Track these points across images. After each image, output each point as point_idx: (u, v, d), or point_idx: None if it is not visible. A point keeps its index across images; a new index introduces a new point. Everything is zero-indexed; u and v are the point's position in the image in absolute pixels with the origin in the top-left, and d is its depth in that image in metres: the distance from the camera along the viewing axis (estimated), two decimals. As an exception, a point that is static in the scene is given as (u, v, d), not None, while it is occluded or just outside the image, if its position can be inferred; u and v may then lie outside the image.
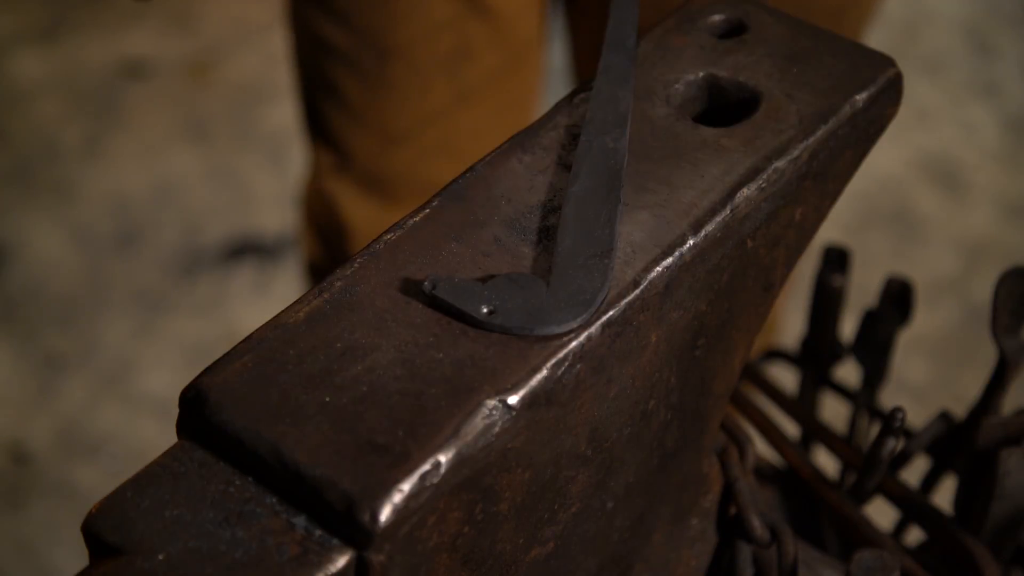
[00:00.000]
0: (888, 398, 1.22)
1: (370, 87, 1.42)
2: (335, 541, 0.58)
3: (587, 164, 0.69)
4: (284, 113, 2.54)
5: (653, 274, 0.65)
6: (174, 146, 2.64)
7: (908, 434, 0.98)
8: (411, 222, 0.67)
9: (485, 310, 0.63)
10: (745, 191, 0.69)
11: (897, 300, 1.05)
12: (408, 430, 0.59)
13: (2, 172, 2.60)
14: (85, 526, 0.59)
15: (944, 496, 1.02)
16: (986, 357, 1.30)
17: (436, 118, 1.43)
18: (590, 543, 0.71)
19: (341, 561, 0.57)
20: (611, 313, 0.64)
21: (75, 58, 2.78)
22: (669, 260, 0.66)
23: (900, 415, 0.84)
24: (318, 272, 1.61)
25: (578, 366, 0.63)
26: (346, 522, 0.57)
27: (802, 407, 1.01)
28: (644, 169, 0.70)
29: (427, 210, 0.68)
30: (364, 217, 1.49)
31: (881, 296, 1.05)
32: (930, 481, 1.00)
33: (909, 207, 2.52)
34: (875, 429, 1.06)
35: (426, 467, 0.58)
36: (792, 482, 0.99)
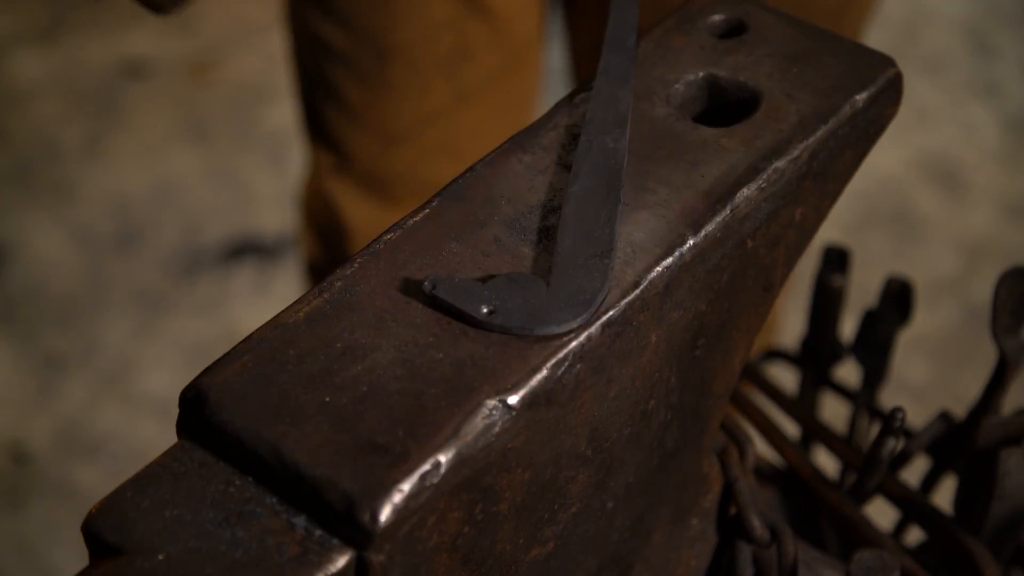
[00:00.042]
0: (888, 398, 1.22)
1: (370, 87, 1.42)
2: (335, 541, 0.58)
3: (587, 164, 0.69)
4: (284, 113, 2.54)
5: (653, 274, 0.65)
6: (174, 146, 2.64)
7: (908, 434, 0.98)
8: (411, 222, 0.67)
9: (485, 310, 0.63)
10: (745, 191, 0.69)
11: (897, 300, 1.05)
12: (408, 430, 0.59)
13: (2, 172, 2.60)
14: (85, 526, 0.59)
15: (944, 496, 1.02)
16: (986, 357, 1.30)
17: (436, 118, 1.43)
18: (590, 543, 0.71)
19: (341, 561, 0.57)
20: (611, 313, 0.64)
21: (75, 58, 2.78)
22: (669, 260, 0.66)
23: (900, 415, 0.84)
24: (318, 272, 1.61)
25: (578, 366, 0.63)
26: (346, 522, 0.57)
27: (802, 407, 1.01)
28: (644, 169, 0.70)
29: (427, 210, 0.68)
30: (364, 217, 1.49)
31: (881, 296, 1.05)
32: (930, 481, 1.00)
33: (909, 207, 2.52)
34: (875, 429, 1.06)
35: (426, 467, 0.58)
36: (792, 482, 0.99)
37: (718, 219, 0.68)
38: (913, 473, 1.21)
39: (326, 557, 0.57)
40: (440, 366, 0.61)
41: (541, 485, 0.64)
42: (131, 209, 2.52)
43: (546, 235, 0.67)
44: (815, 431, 0.98)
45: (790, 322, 1.90)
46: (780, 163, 0.70)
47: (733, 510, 0.82)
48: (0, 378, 2.26)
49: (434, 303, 0.63)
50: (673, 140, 0.71)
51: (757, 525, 0.80)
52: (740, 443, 0.83)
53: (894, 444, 0.86)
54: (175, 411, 0.62)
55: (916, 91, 2.67)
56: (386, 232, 0.67)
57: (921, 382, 2.22)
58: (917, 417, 1.03)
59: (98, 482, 2.09)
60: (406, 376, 0.61)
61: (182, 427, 0.62)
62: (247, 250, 2.46)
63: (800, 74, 0.74)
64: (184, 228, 2.49)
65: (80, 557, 0.74)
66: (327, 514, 0.58)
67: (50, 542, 2.05)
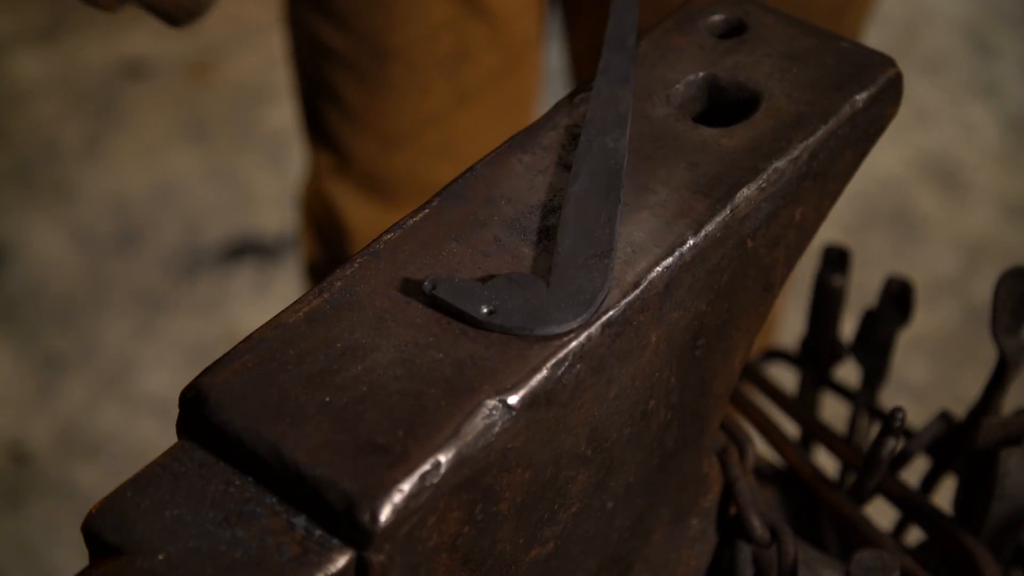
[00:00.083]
0: (888, 398, 1.22)
1: (369, 89, 1.42)
2: (335, 541, 0.58)
3: (587, 164, 0.69)
4: (284, 113, 2.54)
5: (653, 274, 0.65)
6: (174, 146, 2.64)
7: (908, 434, 0.98)
8: (411, 222, 0.67)
9: (485, 310, 0.63)
10: (745, 191, 0.69)
11: (897, 300, 1.05)
12: (408, 430, 0.59)
13: (2, 172, 2.60)
14: (85, 526, 0.59)
15: (944, 496, 1.02)
16: (986, 357, 1.30)
17: (435, 119, 1.44)
18: (590, 543, 0.71)
19: (341, 561, 0.57)
20: (611, 313, 0.64)
21: (75, 58, 2.78)
22: (669, 260, 0.66)
23: (900, 415, 0.84)
24: (318, 274, 1.61)
25: (578, 366, 0.63)
26: (346, 522, 0.57)
27: (802, 407, 1.01)
28: (644, 169, 0.70)
29: (427, 210, 0.68)
30: (364, 218, 1.49)
31: (881, 296, 1.05)
32: (930, 481, 1.00)
33: (909, 207, 2.52)
34: (875, 429, 1.06)
35: (426, 467, 0.58)
36: (792, 482, 0.99)
37: (718, 219, 0.68)
38: (913, 473, 1.21)
39: (326, 557, 0.57)
40: (440, 366, 0.61)
41: (541, 485, 0.64)
42: (131, 209, 2.52)
43: (546, 235, 0.67)
44: (815, 431, 0.98)
45: (790, 322, 1.90)
46: (780, 163, 0.70)
47: (733, 510, 0.82)
48: (0, 378, 2.26)
49: (434, 303, 0.63)
50: (673, 140, 0.71)
51: (757, 525, 0.80)
52: (740, 443, 0.83)
53: (894, 444, 0.86)
54: (175, 411, 0.62)
55: (916, 91, 2.67)
56: (386, 232, 0.67)
57: (921, 382, 2.22)
58: (917, 417, 1.03)
59: (98, 482, 2.09)
60: (406, 376, 0.61)
61: (182, 427, 0.62)
62: (247, 250, 2.46)
63: (800, 74, 0.74)
64: (184, 228, 2.49)
65: (80, 557, 0.74)
66: (327, 514, 0.58)
67: (50, 542, 2.05)
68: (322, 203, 1.52)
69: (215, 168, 2.59)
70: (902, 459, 0.97)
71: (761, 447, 0.92)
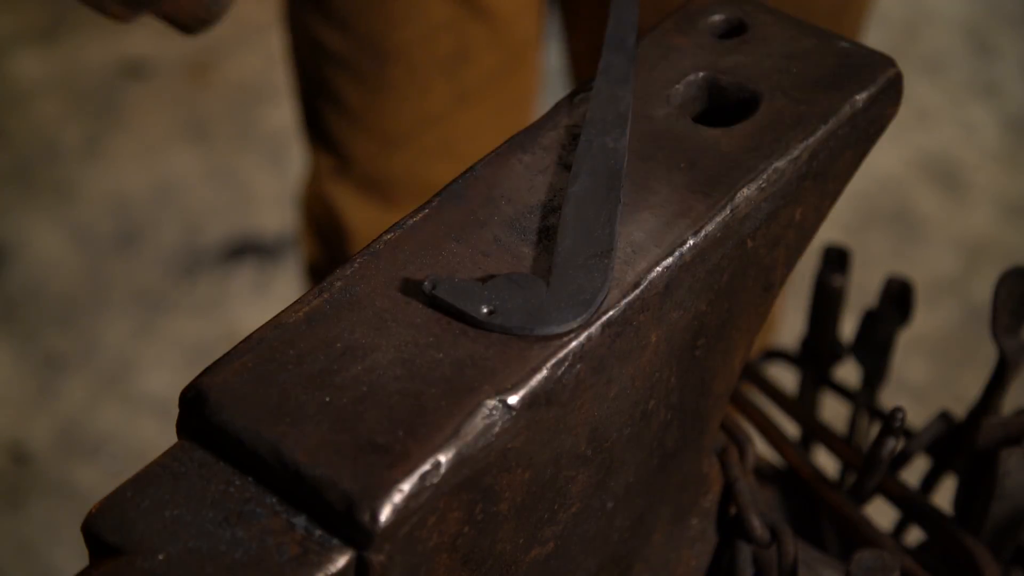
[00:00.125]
0: (888, 398, 1.22)
1: (369, 90, 1.42)
2: (335, 541, 0.58)
3: (587, 164, 0.69)
4: (284, 113, 2.54)
5: (653, 274, 0.65)
6: (174, 146, 2.64)
7: (908, 434, 0.98)
8: (411, 222, 0.67)
9: (485, 310, 0.63)
10: (745, 191, 0.69)
11: (897, 300, 1.05)
12: (408, 430, 0.59)
13: (2, 172, 2.60)
14: (85, 526, 0.59)
15: (944, 496, 1.02)
16: (986, 357, 1.30)
17: (435, 120, 1.43)
18: (590, 543, 0.71)
19: (341, 561, 0.57)
20: (611, 313, 0.64)
21: (75, 58, 2.78)
22: (669, 260, 0.66)
23: (900, 415, 0.84)
24: (318, 275, 1.61)
25: (578, 366, 0.63)
26: (346, 522, 0.57)
27: (802, 407, 1.01)
28: (644, 169, 0.70)
29: (427, 210, 0.68)
30: (364, 219, 1.49)
31: (881, 296, 1.05)
32: (930, 481, 1.00)
33: (909, 207, 2.52)
34: (875, 429, 1.06)
35: (426, 467, 0.58)
36: (792, 482, 0.99)
37: (718, 219, 0.68)
38: (913, 473, 1.21)
39: (326, 557, 0.57)
40: (440, 366, 0.61)
41: (541, 485, 0.64)
42: (131, 209, 2.52)
43: (546, 235, 0.67)
44: (815, 431, 0.98)
45: (790, 322, 1.90)
46: (780, 163, 0.70)
47: (733, 510, 0.82)
48: (0, 378, 2.26)
49: (434, 303, 0.63)
50: (673, 140, 0.71)
51: (757, 525, 0.80)
52: (740, 443, 0.83)
53: (894, 444, 0.86)
54: (175, 411, 0.62)
55: (916, 91, 2.67)
56: (386, 232, 0.67)
57: (921, 382, 2.22)
58: (917, 417, 1.03)
59: (98, 482, 2.09)
60: (406, 376, 0.61)
61: (182, 427, 0.62)
62: (247, 250, 2.46)
63: (800, 74, 0.74)
64: (184, 228, 2.49)
65: (80, 557, 0.74)
66: (327, 514, 0.58)
67: (50, 542, 2.05)
68: (322, 204, 1.52)
69: (215, 168, 2.59)
70: (902, 459, 0.97)
71: (761, 447, 0.92)
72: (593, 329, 0.63)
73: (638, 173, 0.69)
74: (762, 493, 0.94)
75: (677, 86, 0.74)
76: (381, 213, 1.49)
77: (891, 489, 0.91)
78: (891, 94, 0.75)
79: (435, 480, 0.58)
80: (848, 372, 1.23)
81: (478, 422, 0.60)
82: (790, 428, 1.10)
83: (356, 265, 0.65)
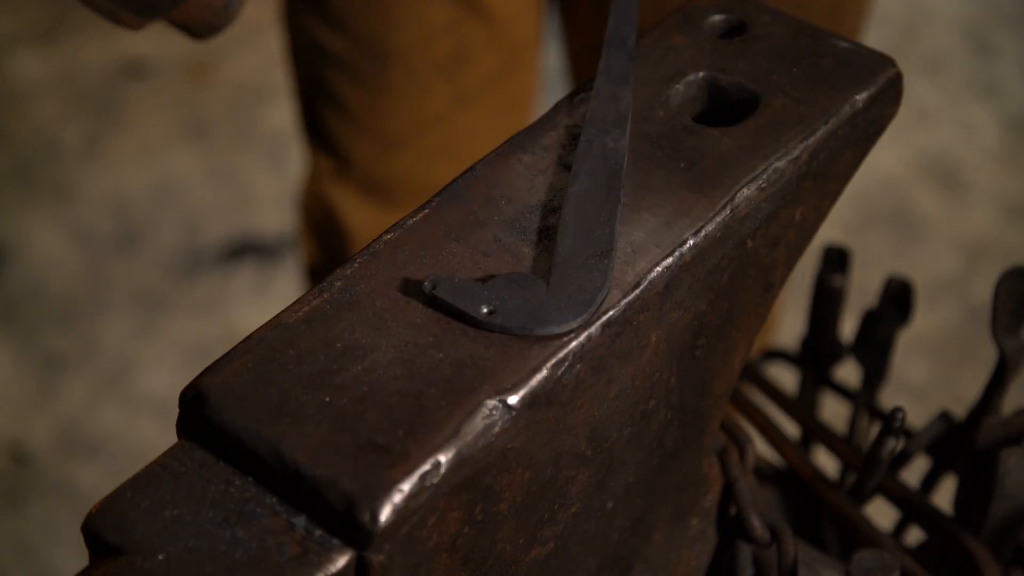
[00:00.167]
0: (888, 398, 1.22)
1: (368, 92, 1.41)
2: (335, 541, 0.58)
3: (587, 164, 0.69)
4: (284, 113, 2.54)
5: (653, 274, 0.65)
6: (174, 146, 2.64)
7: (908, 434, 0.98)
8: (411, 222, 0.67)
9: (485, 310, 0.63)
10: (745, 191, 0.69)
11: (897, 300, 1.05)
12: (408, 430, 0.59)
13: (2, 172, 2.60)
14: (85, 526, 0.59)
15: (944, 496, 1.02)
16: (986, 357, 1.30)
17: (435, 122, 1.43)
18: (590, 543, 0.71)
19: (341, 561, 0.57)
20: (611, 313, 0.64)
21: (75, 58, 2.78)
22: (669, 260, 0.66)
23: (900, 415, 0.84)
24: (318, 276, 1.60)
25: (578, 366, 0.63)
26: (346, 522, 0.57)
27: (802, 407, 1.01)
28: (644, 169, 0.70)
29: (427, 210, 0.68)
30: (364, 221, 1.49)
31: (881, 296, 1.05)
32: (930, 481, 1.00)
33: (909, 207, 2.52)
34: (875, 429, 1.06)
35: (426, 467, 0.58)
36: (792, 482, 0.99)
37: (718, 219, 0.68)
38: (913, 473, 1.21)
39: (326, 557, 0.57)
40: (440, 366, 0.61)
41: (541, 485, 0.64)
42: (131, 209, 2.52)
43: (546, 235, 0.67)
44: (815, 431, 0.98)
45: (790, 322, 1.90)
46: (780, 163, 0.70)
47: (733, 510, 0.82)
48: (0, 378, 2.26)
49: (434, 303, 0.63)
50: (673, 140, 0.71)
51: (757, 525, 0.80)
52: (740, 443, 0.83)
53: (894, 444, 0.86)
54: (175, 411, 0.62)
55: (916, 91, 2.67)
56: (386, 232, 0.67)
57: (921, 382, 2.22)
58: (917, 417, 1.03)
59: (98, 482, 2.09)
60: (406, 376, 0.61)
61: (182, 427, 0.62)
62: (247, 250, 2.46)
63: (800, 74, 0.74)
64: (184, 228, 2.49)
65: (80, 557, 0.74)
66: (327, 514, 0.58)
67: (50, 542, 2.05)
68: (321, 205, 1.52)
69: (215, 168, 2.59)
70: (902, 459, 0.97)
71: (761, 447, 0.92)
72: (593, 329, 0.63)
73: (638, 173, 0.69)
74: (762, 493, 0.94)
75: (677, 86, 0.74)
76: (380, 214, 1.48)
77: (891, 489, 0.91)
78: (891, 94, 0.75)
79: (435, 480, 0.58)
80: (848, 372, 1.23)
81: (478, 422, 0.60)
82: (790, 428, 1.10)
83: (356, 265, 0.65)
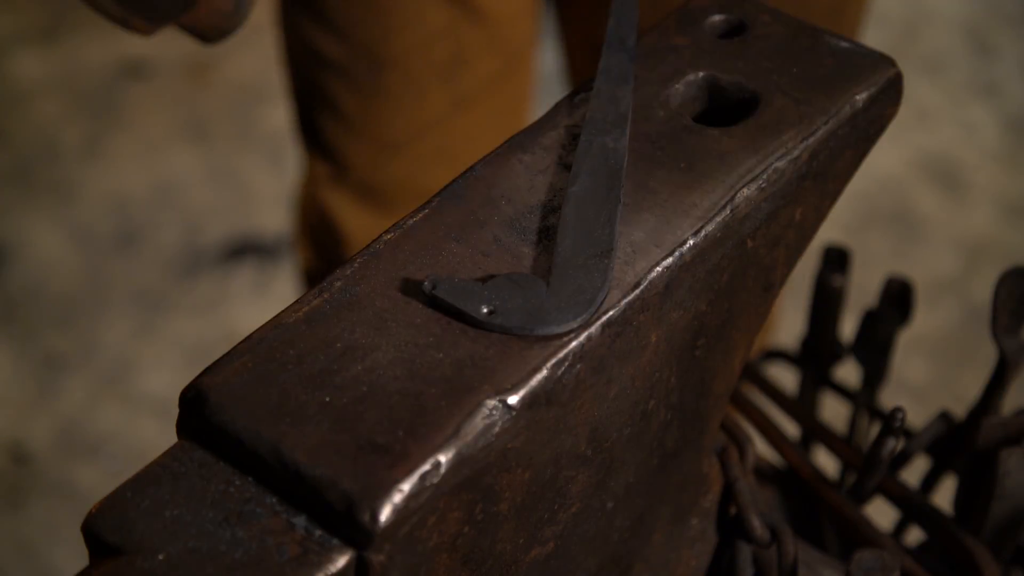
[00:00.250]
0: (888, 398, 1.22)
1: (365, 97, 1.41)
2: (335, 541, 0.58)
3: (587, 164, 0.69)
4: (284, 113, 2.54)
5: (653, 274, 0.65)
6: (174, 146, 2.64)
7: (908, 434, 0.98)
8: (411, 222, 0.67)
9: (485, 310, 0.63)
10: (745, 191, 0.69)
11: (897, 300, 1.05)
12: (408, 430, 0.59)
13: (2, 172, 2.60)
14: (85, 526, 0.59)
15: (944, 496, 1.02)
16: (986, 357, 1.30)
17: (432, 126, 1.43)
18: (590, 543, 0.71)
19: (341, 561, 0.57)
20: (611, 313, 0.64)
21: (75, 58, 2.78)
22: (669, 260, 0.66)
23: (900, 415, 0.84)
24: (315, 282, 1.59)
25: (578, 366, 0.63)
26: (346, 522, 0.57)
27: (802, 407, 1.01)
28: (644, 169, 0.70)
29: (426, 210, 0.68)
30: (360, 226, 1.49)
31: (881, 296, 1.05)
32: (930, 481, 1.00)
33: (909, 207, 2.52)
34: (875, 429, 1.06)
35: (426, 467, 0.58)
36: (792, 482, 0.99)
37: (718, 219, 0.68)
38: (913, 473, 1.21)
39: (326, 557, 0.57)
40: (440, 366, 0.61)
41: (541, 485, 0.64)
42: (131, 209, 2.52)
43: (546, 235, 0.67)
44: (815, 431, 0.98)
45: (790, 322, 1.90)
46: (780, 163, 0.70)
47: (733, 510, 0.82)
48: (0, 378, 2.26)
49: (434, 303, 0.63)
50: (673, 140, 0.71)
51: (757, 525, 0.80)
52: (740, 443, 0.83)
53: (894, 444, 0.86)
54: (175, 411, 0.62)
55: (916, 91, 2.67)
56: (386, 232, 0.67)
57: (921, 382, 2.22)
58: (917, 417, 1.03)
59: (98, 482, 2.09)
60: (406, 376, 0.61)
61: (182, 427, 0.62)
62: (247, 250, 2.46)
63: (800, 74, 0.74)
64: (184, 228, 2.49)
65: (80, 557, 0.74)
66: (327, 514, 0.58)
67: (50, 542, 2.05)
68: (318, 211, 1.52)
69: (215, 168, 2.59)
70: (902, 459, 0.97)
71: (761, 447, 0.92)
72: (593, 329, 0.63)
73: (638, 173, 0.69)
74: (762, 493, 0.94)
75: (677, 86, 0.74)
76: (377, 220, 1.48)
77: (891, 489, 0.91)
78: (891, 94, 0.75)
79: (435, 480, 0.58)
80: (848, 372, 1.23)
81: (478, 422, 0.60)
82: (790, 428, 1.10)
83: (356, 265, 0.65)
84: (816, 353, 1.07)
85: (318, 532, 0.58)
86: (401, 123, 1.43)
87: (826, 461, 1.58)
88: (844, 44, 0.76)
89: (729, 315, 0.72)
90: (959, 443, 0.96)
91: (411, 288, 0.64)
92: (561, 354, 0.62)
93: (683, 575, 0.81)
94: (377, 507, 0.57)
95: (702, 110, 0.75)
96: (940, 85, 2.75)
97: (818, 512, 0.98)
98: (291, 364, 0.61)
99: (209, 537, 0.58)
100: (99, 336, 2.32)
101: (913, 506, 0.91)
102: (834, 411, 1.57)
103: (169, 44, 2.77)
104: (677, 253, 0.66)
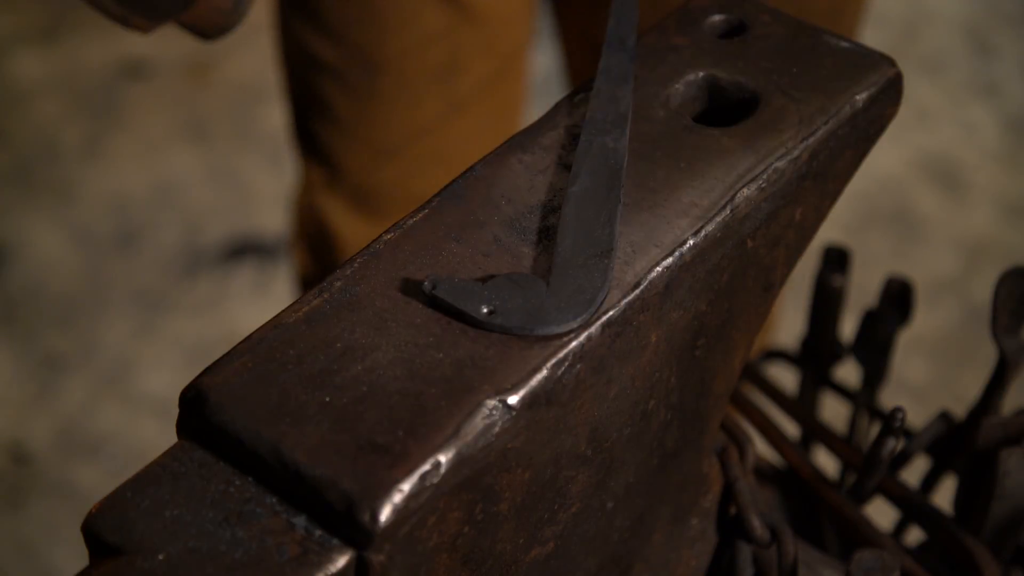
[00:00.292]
0: (888, 398, 1.22)
1: (359, 101, 1.40)
2: (335, 541, 0.58)
3: (587, 164, 0.69)
4: (284, 113, 2.54)
5: (653, 274, 0.65)
6: (174, 146, 2.64)
7: (908, 434, 0.98)
8: (411, 222, 0.67)
9: (485, 310, 0.63)
10: (745, 191, 0.69)
11: (897, 300, 1.05)
12: (408, 430, 0.59)
13: (2, 172, 2.60)
14: (85, 526, 0.59)
15: (944, 496, 1.02)
16: (986, 357, 1.30)
17: (426, 130, 1.42)
18: (590, 543, 0.71)
19: (341, 561, 0.57)
20: (611, 313, 0.64)
21: (75, 58, 2.78)
22: (669, 260, 0.66)
23: (900, 415, 0.84)
24: (310, 287, 1.59)
25: (578, 366, 0.63)
26: (346, 522, 0.57)
27: (802, 407, 1.01)
28: (644, 169, 0.70)
29: (427, 210, 0.68)
30: (355, 231, 1.49)
31: (881, 296, 1.05)
32: (930, 481, 1.00)
33: (909, 207, 2.52)
34: (875, 429, 1.06)
35: (426, 467, 0.58)
36: (792, 482, 0.99)
37: (718, 219, 0.68)
38: (913, 473, 1.21)
39: (326, 557, 0.57)
40: (440, 366, 0.61)
41: (541, 485, 0.64)
42: (131, 209, 2.52)
43: (546, 235, 0.67)
44: (815, 431, 0.98)
45: (790, 322, 1.90)
46: (780, 163, 0.70)
47: (733, 510, 0.82)
48: (0, 378, 2.26)
49: (434, 303, 0.63)
50: (673, 140, 0.71)
51: (757, 525, 0.80)
52: (740, 443, 0.83)
53: (894, 444, 0.86)
54: (175, 411, 0.62)
55: (916, 91, 2.67)
56: (386, 232, 0.67)
57: (921, 382, 2.22)
58: (917, 417, 1.03)
59: (98, 482, 2.09)
60: (406, 376, 0.61)
61: (182, 427, 0.62)
62: (247, 250, 2.46)
63: (800, 74, 0.74)
64: (184, 228, 2.49)
65: (80, 557, 0.74)
66: (327, 514, 0.58)
67: (50, 542, 2.05)
68: (313, 216, 1.51)
69: (215, 168, 2.59)
70: (902, 459, 0.97)
71: (761, 447, 0.92)
72: (593, 329, 0.63)
73: (638, 173, 0.69)
74: (762, 493, 0.94)
75: (677, 86, 0.74)
76: (372, 225, 1.47)
77: (891, 489, 0.91)
78: (891, 94, 0.75)
79: (435, 480, 0.58)
80: (848, 372, 1.23)
81: (478, 422, 0.60)
82: (790, 428, 1.10)
83: (356, 265, 0.65)
84: (816, 353, 1.07)
85: (318, 532, 0.58)
86: (395, 127, 1.42)
87: (826, 461, 1.58)
88: (844, 44, 0.76)
89: (729, 315, 0.72)
90: (959, 443, 0.96)
91: (411, 288, 0.64)
92: (561, 354, 0.62)
93: (683, 575, 0.81)
94: (377, 507, 0.57)
95: (702, 110, 0.75)
96: (940, 85, 2.75)
97: (818, 512, 0.98)
98: (291, 364, 0.61)
99: (209, 537, 0.58)
100: (99, 336, 2.32)
101: (913, 506, 0.91)
102: (834, 411, 1.57)
103: (169, 44, 2.78)
104: (677, 253, 0.66)
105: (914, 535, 1.04)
